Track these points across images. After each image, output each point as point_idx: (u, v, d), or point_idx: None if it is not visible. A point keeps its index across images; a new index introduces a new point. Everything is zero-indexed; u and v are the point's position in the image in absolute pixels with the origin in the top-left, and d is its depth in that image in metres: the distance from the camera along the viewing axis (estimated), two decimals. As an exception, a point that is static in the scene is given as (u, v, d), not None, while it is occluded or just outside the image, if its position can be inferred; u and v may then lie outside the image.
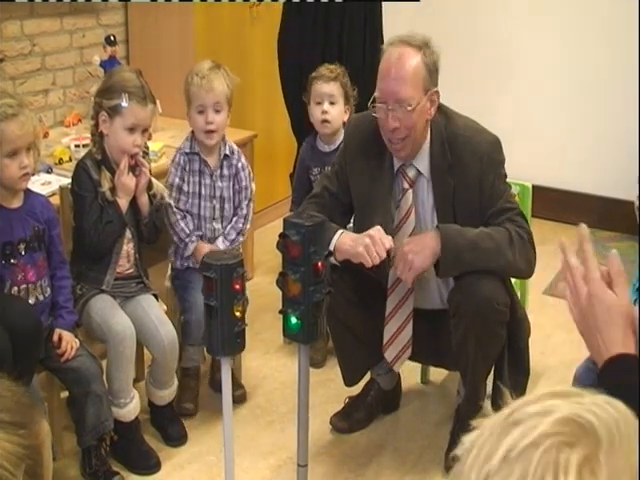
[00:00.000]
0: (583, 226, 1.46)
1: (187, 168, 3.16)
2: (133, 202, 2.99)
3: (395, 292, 2.85)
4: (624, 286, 1.44)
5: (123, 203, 2.92)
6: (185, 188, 3.17)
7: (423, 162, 2.81)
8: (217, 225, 3.21)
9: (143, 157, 2.99)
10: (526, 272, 2.86)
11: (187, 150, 3.18)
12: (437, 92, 2.75)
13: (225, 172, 3.20)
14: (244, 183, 3.23)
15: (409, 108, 2.66)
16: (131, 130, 2.87)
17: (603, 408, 0.81)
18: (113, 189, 2.91)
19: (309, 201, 2.96)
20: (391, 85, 2.68)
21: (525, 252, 2.75)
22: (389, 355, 2.93)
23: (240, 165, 3.23)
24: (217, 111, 3.11)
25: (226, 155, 3.20)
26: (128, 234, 3.00)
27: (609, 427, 0.79)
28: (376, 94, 2.73)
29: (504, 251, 2.70)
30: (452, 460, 0.88)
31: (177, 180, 3.17)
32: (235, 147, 3.27)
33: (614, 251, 1.46)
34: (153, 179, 3.05)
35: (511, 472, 0.78)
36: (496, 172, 2.79)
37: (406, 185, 2.83)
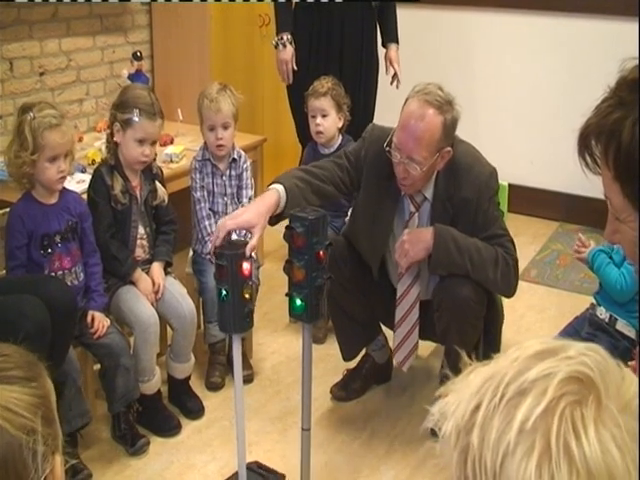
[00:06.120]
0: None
1: (202, 171, 3.22)
2: (147, 206, 2.97)
3: (402, 303, 2.81)
4: None
5: (137, 274, 2.89)
6: (203, 185, 3.23)
7: (429, 189, 2.70)
8: None
9: (151, 164, 2.96)
10: (505, 292, 2.78)
11: (199, 158, 3.23)
12: (449, 151, 2.58)
13: (232, 173, 3.25)
14: (244, 182, 3.27)
15: (419, 168, 2.53)
16: (141, 142, 2.83)
17: (590, 356, 0.75)
18: (124, 192, 2.88)
19: (316, 163, 2.81)
20: (407, 141, 2.52)
21: (507, 276, 2.67)
22: (398, 357, 2.89)
23: (245, 166, 3.27)
24: (225, 128, 3.15)
25: (234, 159, 3.24)
26: (141, 231, 2.96)
27: (602, 374, 0.74)
28: (394, 139, 2.56)
29: (487, 269, 2.63)
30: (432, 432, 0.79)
31: (198, 181, 3.21)
32: (242, 152, 3.32)
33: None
34: (158, 184, 3.02)
35: (533, 442, 0.70)
36: (490, 200, 2.69)
37: (412, 209, 2.74)
